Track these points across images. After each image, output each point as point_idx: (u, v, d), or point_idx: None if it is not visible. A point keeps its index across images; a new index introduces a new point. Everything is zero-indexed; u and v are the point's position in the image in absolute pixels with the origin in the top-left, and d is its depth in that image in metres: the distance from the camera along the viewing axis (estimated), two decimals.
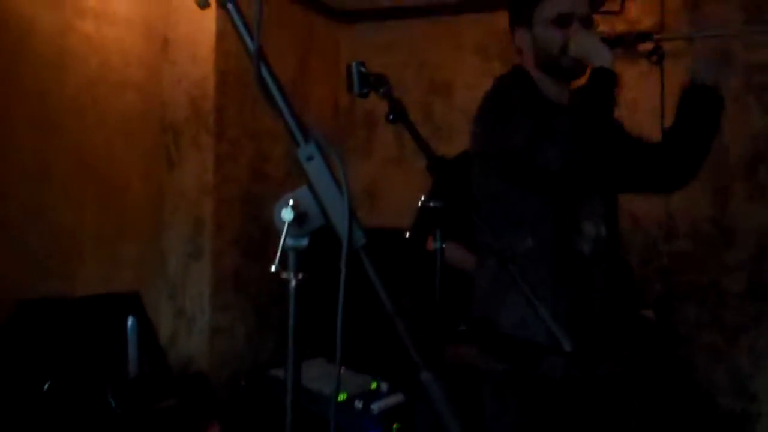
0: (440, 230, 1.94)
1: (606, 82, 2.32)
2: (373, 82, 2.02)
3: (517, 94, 2.42)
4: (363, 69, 2.02)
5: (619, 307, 2.55)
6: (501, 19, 5.26)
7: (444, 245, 1.98)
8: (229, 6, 1.25)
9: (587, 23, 2.47)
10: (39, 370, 3.32)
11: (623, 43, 2.45)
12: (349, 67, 2.04)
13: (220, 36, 4.58)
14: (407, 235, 2.12)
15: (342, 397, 4.00)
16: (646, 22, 4.91)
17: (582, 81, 2.46)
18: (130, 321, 3.59)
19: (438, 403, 1.24)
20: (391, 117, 2.04)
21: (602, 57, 2.33)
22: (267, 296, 4.95)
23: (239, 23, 1.26)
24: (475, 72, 5.40)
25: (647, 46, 2.51)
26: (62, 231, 3.98)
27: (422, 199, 1.96)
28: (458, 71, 5.49)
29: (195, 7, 4.06)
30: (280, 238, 1.25)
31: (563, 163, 2.21)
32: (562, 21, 2.43)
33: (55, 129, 3.95)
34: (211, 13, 4.47)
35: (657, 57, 2.47)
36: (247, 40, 1.25)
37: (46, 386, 3.25)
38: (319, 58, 5.53)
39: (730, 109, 4.55)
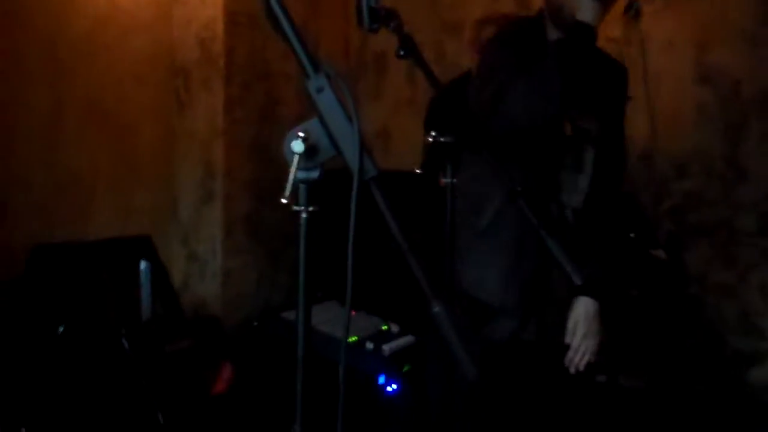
0: (451, 165, 1.93)
1: (585, 40, 2.28)
2: (383, 17, 1.99)
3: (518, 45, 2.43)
4: (372, 3, 1.99)
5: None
6: None
7: None
8: None
9: None
10: (53, 314, 3.36)
11: None
12: (359, 2, 2.00)
13: None
14: (418, 171, 2.11)
15: (353, 339, 4.03)
16: None
17: None
18: (142, 264, 3.61)
19: (449, 334, 1.25)
20: (401, 52, 2.02)
21: (585, 9, 2.29)
22: (279, 240, 4.97)
23: None
24: (486, 11, 5.33)
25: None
26: (74, 175, 3.99)
27: (432, 134, 1.95)
28: (469, 10, 5.42)
29: None
30: (290, 170, 1.25)
31: (525, 123, 2.25)
32: None
33: (66, 72, 3.94)
34: None
35: (634, 12, 2.43)
36: None
37: (60, 329, 3.29)
38: (329, 1, 5.47)
39: (743, 46, 4.56)
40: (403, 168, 4.13)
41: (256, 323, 4.33)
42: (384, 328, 4.26)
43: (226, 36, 4.61)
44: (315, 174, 1.28)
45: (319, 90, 1.26)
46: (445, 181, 1.93)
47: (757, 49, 4.62)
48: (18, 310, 3.35)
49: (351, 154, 1.25)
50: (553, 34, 2.50)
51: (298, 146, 1.24)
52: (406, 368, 4.05)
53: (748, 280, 4.70)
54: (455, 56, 5.43)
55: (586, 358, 2.45)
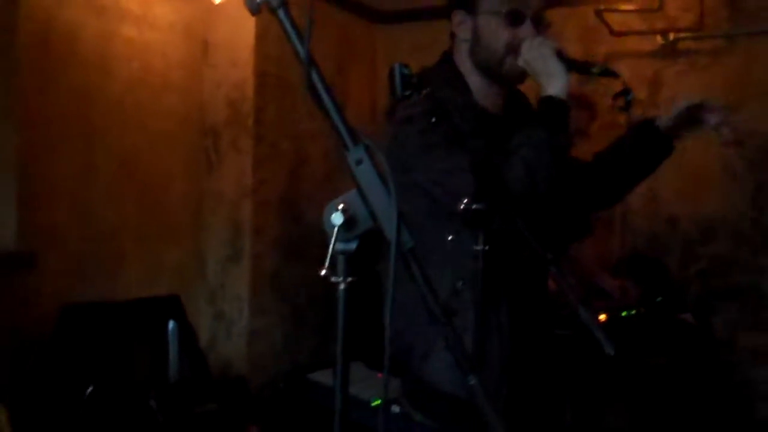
0: (483, 233, 1.93)
1: (558, 116, 2.02)
2: (415, 84, 2.00)
3: (452, 104, 2.04)
4: (405, 71, 2.00)
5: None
6: None
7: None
8: (280, 12, 1.27)
9: (539, 22, 2.17)
10: (82, 374, 3.37)
11: (585, 70, 2.11)
12: (391, 70, 1.99)
13: (260, 39, 4.62)
14: (449, 238, 2.10)
15: (376, 402, 4.00)
16: (685, 20, 4.88)
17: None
18: (170, 325, 3.62)
19: (484, 405, 1.26)
20: (433, 119, 2.02)
21: (555, 82, 2.03)
22: (305, 298, 4.97)
23: (290, 29, 1.27)
24: None
25: (615, 83, 2.10)
26: (105, 233, 4.03)
27: (464, 201, 1.93)
28: None
29: (235, 11, 4.13)
30: (329, 242, 1.26)
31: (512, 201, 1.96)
32: (514, 17, 2.13)
33: (99, 131, 4.01)
34: (251, 17, 4.48)
35: (624, 102, 2.06)
36: (297, 45, 1.27)
37: (89, 390, 3.30)
38: (357, 60, 5.55)
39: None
40: None
41: (282, 385, 4.32)
42: None
43: (255, 96, 4.68)
44: (353, 245, 1.29)
45: (359, 162, 1.28)
46: (477, 248, 1.92)
47: None
48: (47, 370, 3.36)
49: (389, 226, 1.26)
50: (474, 78, 2.21)
51: (337, 218, 1.25)
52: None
53: None
54: None
55: None
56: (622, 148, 2.35)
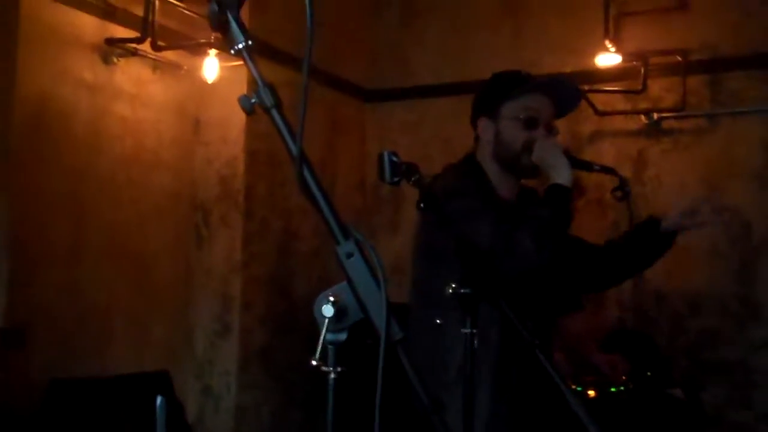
0: (471, 317, 1.97)
1: (562, 201, 2.40)
2: (404, 171, 2.05)
3: (473, 190, 2.49)
4: (394, 158, 2.06)
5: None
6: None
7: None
8: (273, 112, 1.32)
9: (551, 129, 2.56)
10: None
11: (587, 168, 2.56)
12: (380, 156, 2.06)
13: (250, 117, 4.64)
14: (438, 321, 2.14)
15: None
16: (668, 100, 4.99)
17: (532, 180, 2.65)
18: (158, 401, 3.60)
19: None
20: (421, 205, 2.08)
21: (562, 173, 2.42)
22: (294, 373, 4.96)
23: (282, 128, 1.32)
24: None
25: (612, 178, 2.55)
26: (94, 309, 4.04)
27: (452, 285, 1.99)
28: None
29: (226, 89, 4.21)
30: (320, 333, 1.29)
31: (521, 274, 2.32)
32: (530, 122, 2.53)
33: (91, 208, 4.05)
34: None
35: (622, 194, 2.48)
36: (290, 143, 1.32)
37: None
38: (346, 137, 5.63)
39: (751, 186, 4.65)
40: None
41: None
42: None
43: (246, 173, 4.75)
44: (343, 336, 1.32)
45: (349, 255, 1.31)
46: (465, 331, 1.96)
47: (766, 190, 4.72)
48: None
49: (378, 318, 1.29)
50: (494, 173, 2.59)
51: (328, 310, 1.29)
52: None
53: (765, 421, 4.64)
54: None
55: None
56: (630, 241, 2.69)
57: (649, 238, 2.64)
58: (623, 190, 2.46)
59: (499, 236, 2.32)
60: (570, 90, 2.70)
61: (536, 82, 2.61)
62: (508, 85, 2.58)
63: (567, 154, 2.47)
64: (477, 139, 2.66)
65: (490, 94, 2.62)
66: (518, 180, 2.65)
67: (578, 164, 2.53)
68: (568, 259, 2.54)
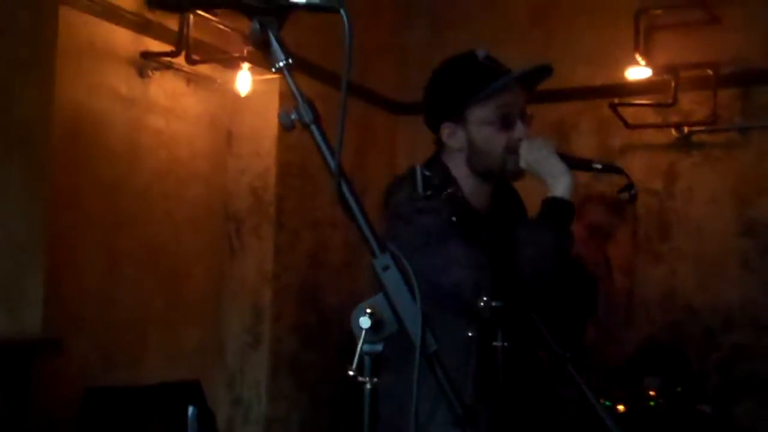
0: (501, 330, 1.98)
1: (563, 218, 2.08)
2: (436, 185, 2.08)
3: (440, 206, 2.09)
4: (426, 172, 2.09)
5: None
6: (554, 111, 5.34)
7: None
8: (313, 127, 1.35)
9: (524, 117, 2.20)
10: None
11: (587, 167, 2.18)
12: (412, 171, 2.10)
13: (282, 130, 4.70)
14: (469, 335, 2.13)
15: None
16: (699, 114, 4.98)
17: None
18: (190, 410, 3.65)
19: None
20: (453, 218, 2.08)
21: (559, 183, 2.07)
22: (323, 384, 4.99)
23: (321, 143, 1.35)
24: None
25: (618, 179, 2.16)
26: (129, 319, 4.10)
27: (483, 298, 1.99)
28: None
29: (259, 102, 4.26)
30: (357, 344, 1.32)
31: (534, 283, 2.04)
32: (505, 122, 2.17)
33: (126, 220, 4.11)
34: (274, 109, 4.64)
35: (629, 196, 2.11)
36: (329, 158, 1.35)
37: None
38: (376, 149, 5.67)
39: None
40: None
41: None
42: None
43: (277, 185, 4.80)
44: (378, 347, 1.35)
45: (385, 268, 1.34)
46: (496, 344, 1.98)
47: None
48: None
49: (414, 330, 1.32)
50: (465, 179, 2.23)
51: (365, 322, 1.31)
52: None
53: None
54: None
55: None
56: None
57: None
58: (630, 191, 2.11)
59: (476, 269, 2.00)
60: (537, 69, 2.25)
61: (506, 79, 2.19)
62: (471, 82, 2.20)
63: (561, 153, 2.12)
64: (439, 142, 2.29)
65: (451, 95, 2.24)
66: (492, 185, 2.27)
67: (575, 164, 2.13)
68: (568, 290, 2.32)
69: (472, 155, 2.20)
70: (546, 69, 2.22)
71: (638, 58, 4.96)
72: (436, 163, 2.28)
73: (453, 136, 2.23)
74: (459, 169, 2.23)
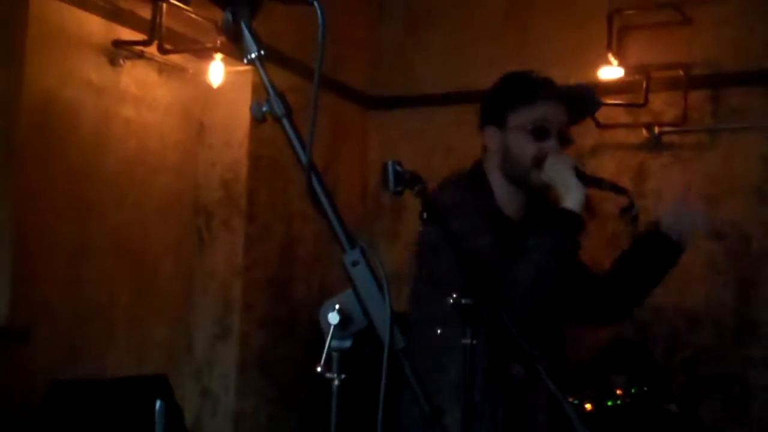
0: (471, 327, 1.99)
1: (570, 227, 2.23)
2: (408, 181, 2.08)
3: (474, 209, 2.29)
4: (398, 168, 2.08)
5: None
6: None
7: None
8: (284, 121, 1.34)
9: (564, 139, 2.37)
10: None
11: (598, 186, 2.33)
12: (384, 166, 2.08)
13: (254, 122, 4.67)
14: (438, 332, 2.15)
15: None
16: (669, 114, 5.02)
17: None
18: (158, 404, 3.62)
19: None
20: (425, 215, 2.09)
21: (573, 197, 2.23)
22: (292, 378, 4.98)
23: (293, 137, 1.34)
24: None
25: (622, 199, 2.32)
26: (96, 309, 4.06)
27: (453, 295, 2.00)
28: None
29: (231, 94, 4.23)
30: (325, 340, 1.31)
31: (521, 310, 2.12)
32: (539, 132, 2.33)
33: (94, 209, 4.07)
34: (246, 100, 4.62)
35: (630, 217, 2.27)
36: (300, 152, 1.34)
37: None
38: (348, 143, 5.66)
39: (751, 201, 4.67)
40: None
41: None
42: None
43: (248, 178, 4.78)
44: (347, 343, 1.34)
45: (354, 264, 1.34)
46: (465, 341, 1.98)
47: (765, 205, 4.74)
48: None
49: (382, 326, 1.32)
50: (498, 185, 2.41)
51: (333, 318, 1.31)
52: None
53: None
54: None
55: None
56: (638, 256, 2.49)
57: (656, 249, 2.45)
58: (631, 213, 2.27)
59: (497, 266, 2.16)
60: (586, 96, 2.49)
61: (548, 89, 2.40)
62: (518, 90, 2.39)
63: (578, 171, 2.29)
64: (485, 149, 2.48)
65: (498, 100, 2.43)
66: (527, 196, 2.44)
67: (590, 182, 2.31)
68: (572, 294, 2.39)
69: (504, 160, 2.38)
70: (590, 98, 2.47)
71: (611, 58, 4.99)
72: (476, 166, 2.47)
73: (492, 139, 2.41)
74: (493, 173, 2.42)
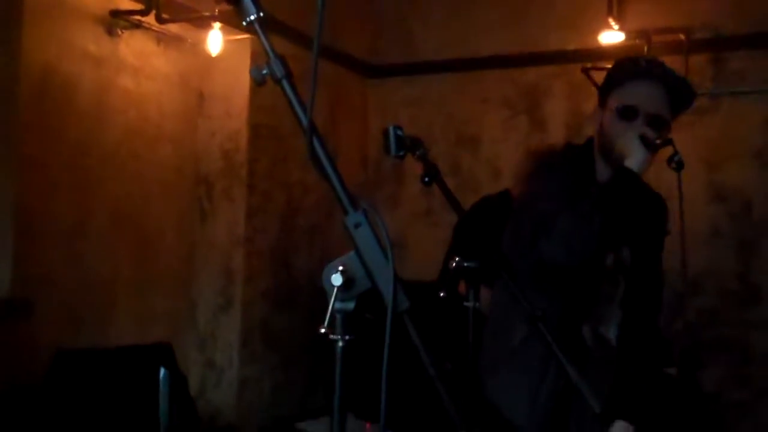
0: (474, 290, 1.99)
1: (627, 186, 2.27)
2: (409, 145, 2.07)
3: (566, 174, 2.43)
4: (399, 132, 2.08)
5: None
6: (527, 75, 5.38)
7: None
8: (284, 83, 1.33)
9: (656, 123, 2.35)
10: (73, 419, 3.38)
11: (663, 146, 2.31)
12: (386, 131, 2.08)
13: (254, 91, 4.70)
14: (441, 294, 2.15)
15: None
16: None
17: None
18: (162, 372, 3.64)
19: None
20: (426, 179, 2.09)
21: (635, 158, 2.27)
22: (295, 347, 5.00)
23: (293, 99, 1.33)
24: (501, 126, 5.49)
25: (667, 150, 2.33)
26: (98, 281, 4.07)
27: (456, 259, 2.01)
28: (485, 125, 5.58)
29: (230, 63, 4.20)
30: (329, 301, 1.31)
31: (555, 259, 2.26)
32: (626, 113, 2.36)
33: (95, 180, 4.07)
34: (245, 69, 4.59)
35: (676, 165, 2.29)
36: (300, 115, 1.33)
37: None
38: (348, 112, 5.64)
39: (753, 166, 4.66)
40: (418, 278, 4.20)
41: None
42: None
43: (249, 147, 4.76)
44: (351, 305, 1.34)
45: (357, 226, 1.33)
46: (467, 304, 1.99)
47: (766, 170, 4.73)
48: (37, 416, 3.38)
49: (385, 288, 1.31)
50: (600, 164, 2.48)
51: (337, 279, 1.31)
52: None
53: (763, 399, 4.68)
54: (470, 169, 5.57)
55: None
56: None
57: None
58: (674, 159, 2.27)
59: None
60: (682, 85, 2.46)
61: (631, 69, 2.43)
62: (615, 73, 2.46)
63: (644, 138, 2.28)
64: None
65: (604, 85, 2.49)
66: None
67: (655, 147, 2.29)
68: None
69: (599, 138, 2.46)
70: (684, 87, 2.44)
71: (611, 22, 4.96)
72: (589, 141, 2.55)
73: (594, 118, 2.51)
74: (597, 151, 2.50)
